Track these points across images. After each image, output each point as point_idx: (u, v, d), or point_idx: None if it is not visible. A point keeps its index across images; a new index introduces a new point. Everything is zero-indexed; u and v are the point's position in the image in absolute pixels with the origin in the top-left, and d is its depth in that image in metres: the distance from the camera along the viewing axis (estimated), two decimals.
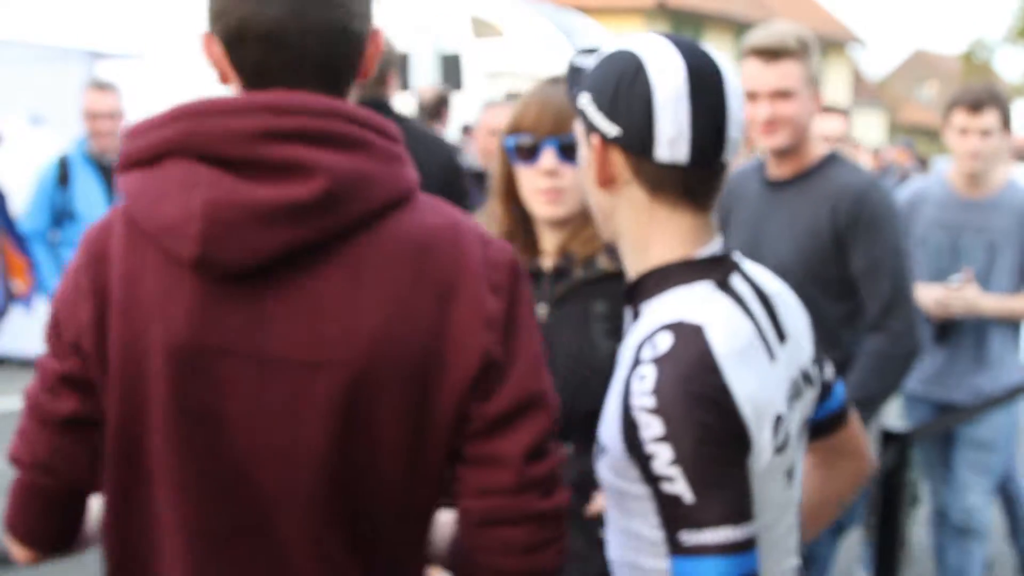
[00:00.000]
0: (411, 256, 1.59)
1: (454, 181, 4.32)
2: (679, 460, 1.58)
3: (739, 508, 1.60)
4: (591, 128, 1.72)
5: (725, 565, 1.59)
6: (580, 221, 2.42)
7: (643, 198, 1.72)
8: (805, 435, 1.87)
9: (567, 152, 2.37)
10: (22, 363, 9.20)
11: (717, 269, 1.74)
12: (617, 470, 1.68)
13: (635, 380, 1.63)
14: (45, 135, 9.01)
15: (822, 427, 1.95)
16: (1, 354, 9.54)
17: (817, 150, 3.33)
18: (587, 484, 2.31)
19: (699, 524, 1.59)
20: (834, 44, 37.84)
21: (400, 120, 4.35)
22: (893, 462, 3.38)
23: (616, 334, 2.34)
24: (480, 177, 5.11)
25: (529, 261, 2.48)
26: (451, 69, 16.50)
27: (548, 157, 2.38)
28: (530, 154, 2.40)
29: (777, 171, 3.36)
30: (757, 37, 3.29)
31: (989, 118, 4.25)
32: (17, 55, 9.88)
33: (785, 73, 3.24)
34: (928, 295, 4.28)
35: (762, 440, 1.65)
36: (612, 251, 2.34)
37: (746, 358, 1.67)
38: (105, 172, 5.80)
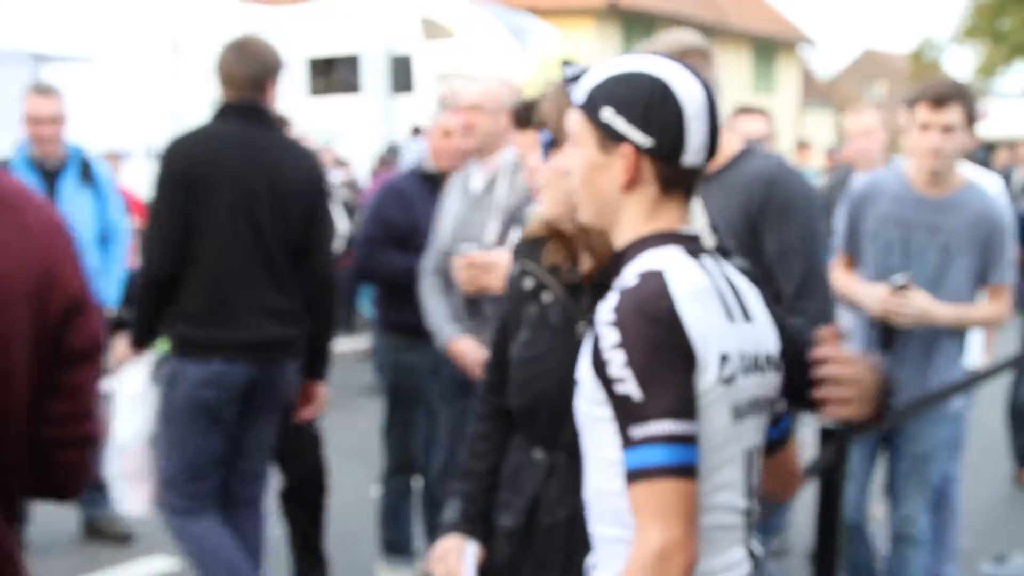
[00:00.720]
0: None
1: (318, 191, 4.31)
2: (629, 363, 1.89)
3: (680, 406, 1.89)
4: (618, 138, 2.02)
5: (666, 452, 1.87)
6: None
7: (655, 195, 2.05)
8: (762, 417, 2.11)
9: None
10: None
11: (689, 242, 2.06)
12: (587, 397, 1.99)
13: (602, 305, 1.97)
14: None
15: (768, 447, 2.19)
16: None
17: (733, 146, 3.32)
18: None
19: (645, 418, 1.88)
20: (784, 44, 38.08)
21: (270, 127, 4.31)
22: (831, 459, 3.42)
23: None
24: (433, 179, 5.10)
25: (572, 273, 2.47)
26: (401, 71, 16.48)
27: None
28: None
29: None
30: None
31: (952, 114, 4.10)
32: None
33: None
34: (871, 294, 4.18)
35: (708, 362, 1.94)
36: None
37: (700, 300, 1.97)
38: (47, 177, 5.72)
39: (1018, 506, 6.48)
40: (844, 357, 2.16)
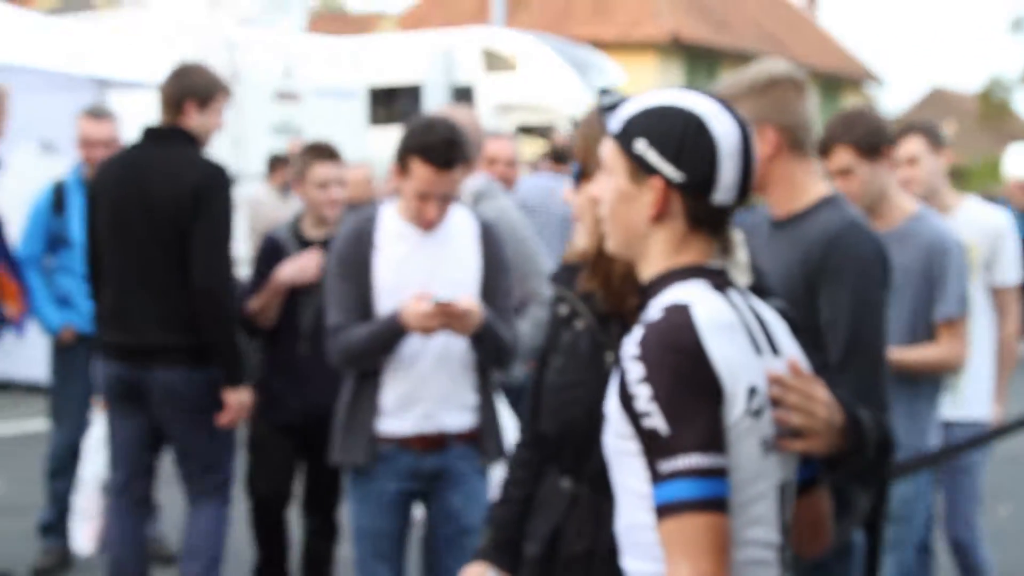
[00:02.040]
0: None
1: (194, 205, 4.49)
2: (655, 396, 1.90)
3: (708, 439, 1.89)
4: (649, 170, 2.03)
5: (695, 486, 1.87)
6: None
7: (683, 230, 2.06)
8: (794, 454, 2.09)
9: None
10: (26, 387, 9.27)
11: (715, 276, 2.07)
12: (615, 431, 1.99)
13: (627, 339, 1.98)
14: (55, 162, 9.06)
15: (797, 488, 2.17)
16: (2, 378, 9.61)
17: (815, 192, 3.07)
18: None
19: (673, 452, 1.88)
20: (850, 81, 37.84)
21: (172, 144, 4.60)
22: (870, 504, 3.35)
23: None
24: None
25: (610, 305, 2.47)
26: (463, 101, 16.55)
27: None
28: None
29: (777, 210, 3.17)
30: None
31: (840, 158, 3.82)
32: (28, 82, 9.94)
33: None
34: None
35: (735, 394, 1.93)
36: None
37: (726, 333, 1.97)
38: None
39: None
40: (796, 383, 2.06)
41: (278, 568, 5.00)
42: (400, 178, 3.71)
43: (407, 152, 3.67)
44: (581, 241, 2.54)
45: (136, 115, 10.07)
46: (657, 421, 1.89)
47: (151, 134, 4.68)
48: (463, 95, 17.01)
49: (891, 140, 3.87)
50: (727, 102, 2.10)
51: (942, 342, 3.85)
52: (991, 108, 40.82)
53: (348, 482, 3.89)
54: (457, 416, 3.84)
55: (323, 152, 4.89)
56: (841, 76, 36.83)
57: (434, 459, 3.84)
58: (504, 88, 17.22)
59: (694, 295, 2.01)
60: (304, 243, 4.85)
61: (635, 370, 1.92)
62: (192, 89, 4.61)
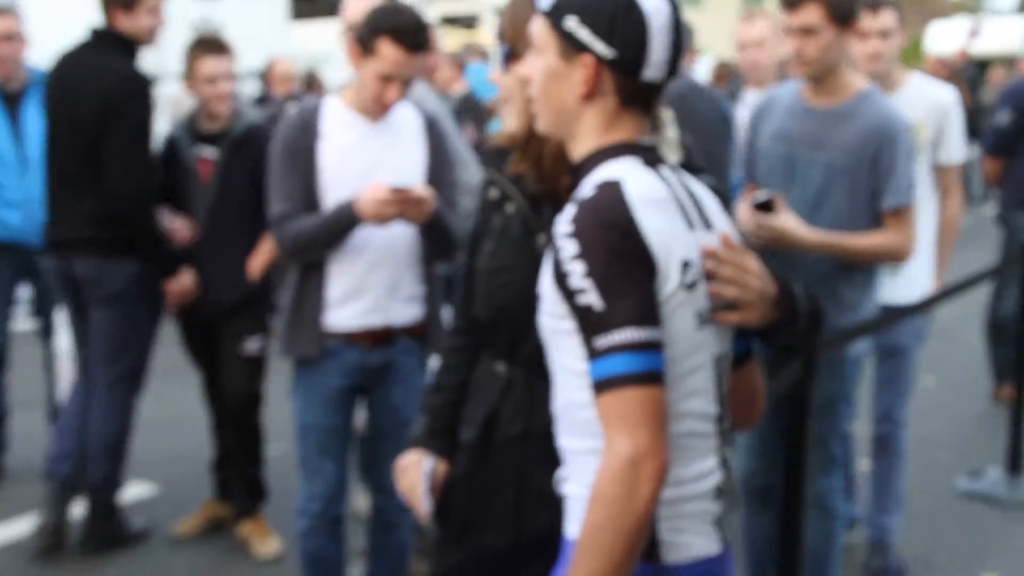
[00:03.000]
0: None
1: (111, 109, 4.59)
2: (590, 272, 1.87)
3: (643, 313, 1.87)
4: (580, 48, 2.00)
5: (631, 360, 1.85)
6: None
7: (613, 108, 2.04)
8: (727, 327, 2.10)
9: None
10: None
11: (646, 153, 2.05)
12: (550, 311, 1.98)
13: (559, 217, 1.95)
14: None
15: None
16: None
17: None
18: None
19: (607, 327, 1.86)
20: None
21: (99, 49, 4.72)
22: (797, 376, 3.41)
23: None
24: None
25: (534, 184, 2.44)
26: None
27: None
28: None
29: None
30: None
31: (808, 14, 3.63)
32: None
33: None
34: (738, 216, 3.65)
35: (668, 268, 1.92)
36: None
37: (658, 208, 1.95)
38: (8, 101, 5.54)
39: (997, 422, 6.51)
40: (729, 256, 2.05)
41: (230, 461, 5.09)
42: (360, 59, 3.61)
43: (375, 32, 3.56)
44: (510, 123, 2.49)
45: (57, 14, 9.83)
46: (591, 297, 1.87)
47: (89, 36, 4.74)
48: None
49: (857, 13, 3.66)
50: None
51: (890, 230, 3.66)
52: None
53: (293, 378, 3.86)
54: (403, 309, 3.81)
55: (211, 46, 4.81)
56: None
57: (380, 354, 3.81)
58: None
59: (625, 171, 1.99)
60: (199, 138, 4.87)
61: (568, 247, 1.90)
62: None
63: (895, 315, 4.19)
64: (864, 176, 3.63)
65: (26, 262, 5.61)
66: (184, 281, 4.75)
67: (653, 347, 1.87)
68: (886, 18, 4.06)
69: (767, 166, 3.81)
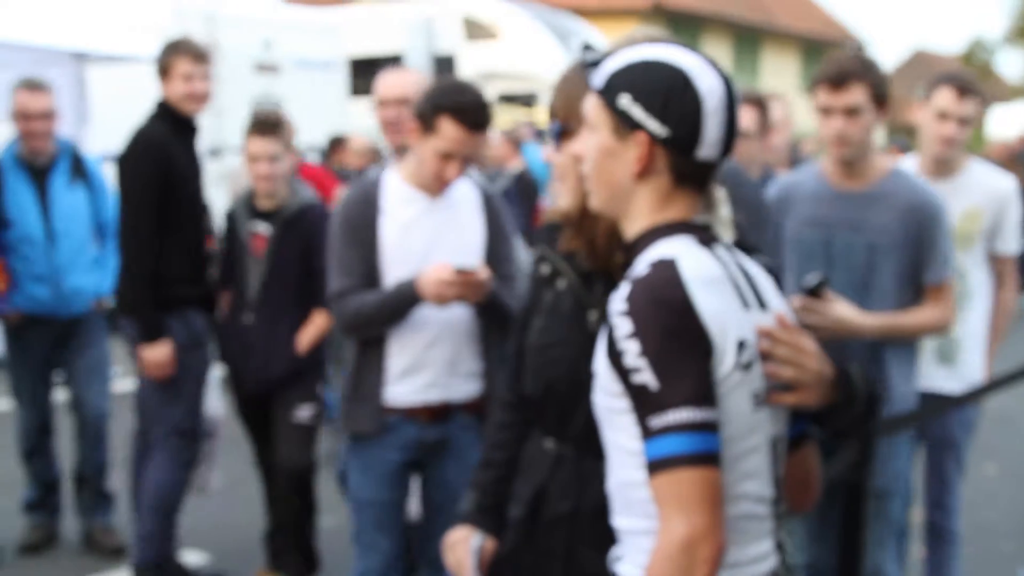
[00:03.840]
0: None
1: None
2: (644, 351, 1.86)
3: (699, 393, 1.86)
4: (634, 126, 2.00)
5: (687, 440, 1.84)
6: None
7: (667, 187, 2.03)
8: (783, 408, 2.07)
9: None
10: None
11: (700, 232, 2.04)
12: (604, 389, 1.96)
13: (614, 295, 1.94)
14: None
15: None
16: None
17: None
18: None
19: (663, 407, 1.85)
20: (832, 45, 37.77)
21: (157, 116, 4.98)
22: (854, 461, 3.34)
23: None
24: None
25: (588, 261, 2.45)
26: (444, 71, 16.48)
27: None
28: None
29: None
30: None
31: (855, 94, 3.61)
32: (5, 58, 9.85)
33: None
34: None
35: (724, 348, 1.91)
36: None
37: (713, 288, 1.94)
38: (37, 175, 5.56)
39: None
40: (785, 336, 2.04)
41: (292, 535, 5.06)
42: (421, 136, 3.64)
43: (437, 110, 3.59)
44: (563, 200, 2.50)
45: (114, 88, 10.02)
46: (646, 377, 1.86)
47: (154, 108, 5.01)
48: (444, 65, 16.93)
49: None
50: (711, 58, 2.08)
51: (934, 304, 3.71)
52: (974, 70, 40.82)
53: (349, 452, 3.86)
54: (462, 385, 3.81)
55: (256, 126, 4.93)
56: (823, 39, 36.74)
57: (438, 430, 3.80)
58: (485, 57, 17.16)
59: (680, 250, 1.98)
60: (255, 214, 4.97)
61: (623, 326, 1.89)
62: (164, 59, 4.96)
63: (944, 404, 4.12)
64: (908, 254, 3.66)
65: (59, 333, 5.68)
66: (159, 352, 4.80)
67: (709, 428, 1.85)
68: (854, 94, 3.62)
69: (802, 252, 3.78)
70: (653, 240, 2.03)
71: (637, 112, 2.00)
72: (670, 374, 1.85)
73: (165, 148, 4.83)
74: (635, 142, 2.01)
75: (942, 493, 4.54)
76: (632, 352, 1.88)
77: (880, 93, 3.63)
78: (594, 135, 2.08)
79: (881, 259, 3.67)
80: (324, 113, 13.53)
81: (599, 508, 2.23)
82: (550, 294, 2.52)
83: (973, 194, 4.37)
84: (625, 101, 2.01)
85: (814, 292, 3.49)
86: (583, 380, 2.22)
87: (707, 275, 1.95)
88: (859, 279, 3.69)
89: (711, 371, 1.89)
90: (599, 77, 2.07)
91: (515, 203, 6.95)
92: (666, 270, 1.92)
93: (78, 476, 5.77)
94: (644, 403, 1.87)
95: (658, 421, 1.85)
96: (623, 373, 1.90)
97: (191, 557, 5.55)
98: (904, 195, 3.67)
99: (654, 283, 1.91)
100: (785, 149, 5.75)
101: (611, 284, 2.30)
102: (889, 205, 3.67)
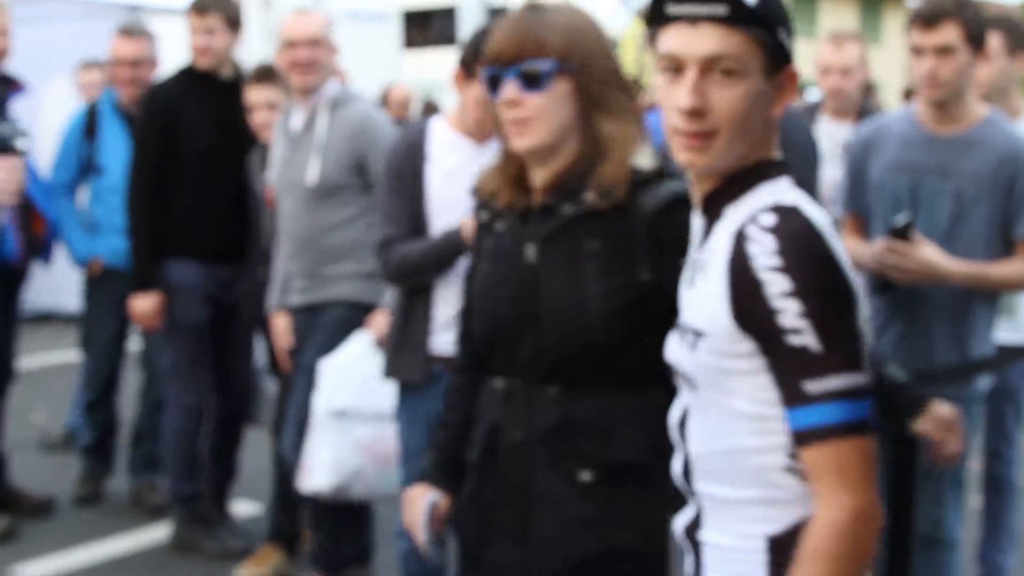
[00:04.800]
0: None
1: None
2: (808, 313, 1.72)
3: (860, 356, 1.75)
4: (786, 59, 1.84)
5: (849, 408, 1.72)
6: (551, 153, 2.39)
7: (777, 110, 1.88)
8: None
9: (529, 81, 2.36)
10: (64, 319, 9.30)
11: (787, 170, 1.91)
12: (719, 350, 1.82)
13: (751, 247, 1.76)
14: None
15: None
16: (41, 310, 9.62)
17: None
18: (569, 427, 2.35)
19: (824, 372, 1.72)
20: None
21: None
22: (902, 464, 3.25)
23: (610, 275, 2.34)
24: None
25: (517, 199, 2.46)
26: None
27: (509, 88, 2.37)
28: (495, 85, 2.40)
29: None
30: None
31: (947, 33, 3.47)
32: (60, 11, 9.90)
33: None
34: (868, 251, 3.54)
35: (862, 301, 1.80)
36: (602, 187, 2.35)
37: (836, 236, 1.82)
38: (132, 122, 5.51)
39: None
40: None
41: None
42: (463, 82, 3.59)
43: (479, 55, 3.57)
44: (529, 142, 2.43)
45: (168, 40, 10.03)
46: (808, 339, 1.72)
47: None
48: (499, 16, 16.84)
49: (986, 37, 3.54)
50: None
51: (1022, 259, 3.56)
52: None
53: (397, 402, 3.84)
54: None
55: (255, 75, 4.92)
56: None
57: None
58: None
59: (794, 196, 1.83)
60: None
61: (778, 282, 1.73)
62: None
63: (1011, 355, 4.04)
64: (998, 204, 3.52)
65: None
66: (145, 303, 4.92)
67: (867, 394, 1.75)
68: (946, 33, 3.49)
69: (887, 198, 3.65)
70: (758, 179, 1.87)
71: (789, 44, 1.85)
72: (834, 335, 1.73)
73: (169, 103, 4.87)
74: (786, 76, 1.86)
75: (1001, 443, 4.48)
76: (791, 312, 1.72)
77: (976, 33, 3.48)
78: (739, 82, 1.81)
79: (968, 208, 3.53)
80: (377, 65, 13.50)
81: (549, 430, 2.34)
82: (490, 239, 2.53)
83: None
84: (784, 34, 1.84)
85: (901, 233, 3.41)
86: (526, 313, 2.35)
87: (826, 222, 1.82)
88: (945, 228, 3.55)
89: (862, 331, 1.78)
90: (741, 11, 1.79)
91: None
92: (801, 220, 1.77)
93: (137, 432, 5.80)
94: (800, 366, 1.74)
95: (817, 386, 1.73)
96: (773, 333, 1.75)
97: (242, 507, 5.60)
98: (999, 142, 3.53)
99: (804, 236, 1.76)
100: (855, 96, 5.32)
101: (546, 218, 2.38)
102: (982, 151, 3.53)
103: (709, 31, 1.79)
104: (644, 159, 2.38)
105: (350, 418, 4.13)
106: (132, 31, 5.56)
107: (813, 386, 1.73)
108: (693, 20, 1.80)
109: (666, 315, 2.16)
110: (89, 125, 5.67)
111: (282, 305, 4.62)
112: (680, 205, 2.29)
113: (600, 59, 2.39)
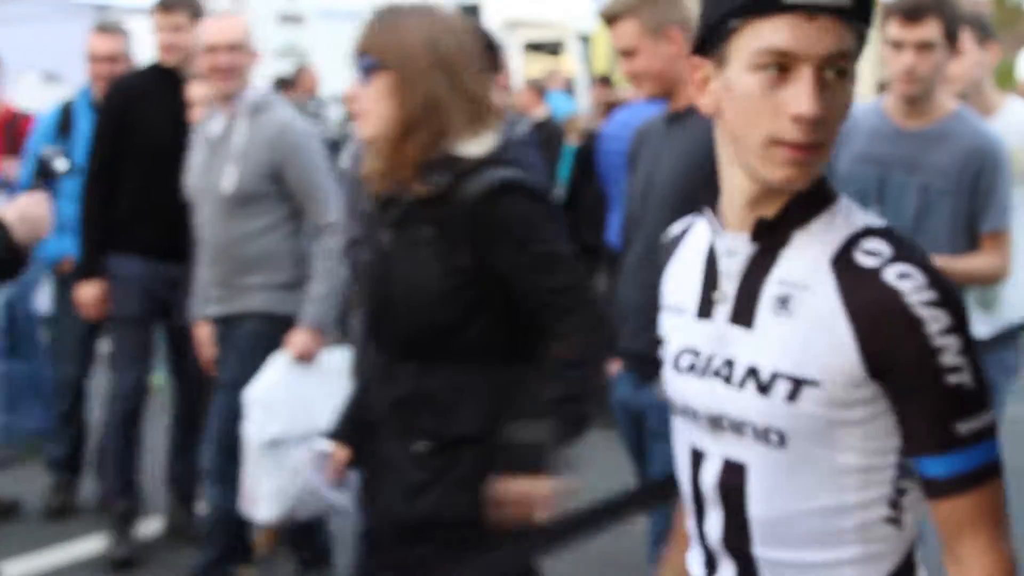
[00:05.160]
0: None
1: None
2: (965, 349, 1.54)
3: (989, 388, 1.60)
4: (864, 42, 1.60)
5: (992, 448, 1.57)
6: (388, 143, 2.56)
7: None
8: None
9: (363, 75, 2.59)
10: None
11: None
12: (834, 400, 1.57)
13: (901, 283, 1.54)
14: (59, 92, 8.96)
15: None
16: None
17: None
18: (417, 400, 2.58)
19: (976, 410, 1.55)
20: None
21: None
22: None
23: (442, 259, 2.53)
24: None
25: (384, 187, 2.64)
26: (470, 18, 16.38)
27: (355, 81, 2.66)
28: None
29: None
30: None
31: (929, 29, 3.46)
32: (27, 11, 9.85)
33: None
34: None
35: None
36: (426, 175, 2.53)
37: None
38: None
39: None
40: None
41: None
42: None
43: None
44: (368, 129, 2.62)
45: (140, 38, 9.99)
46: (966, 376, 1.54)
47: None
48: (470, 12, 16.80)
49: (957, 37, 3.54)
50: None
51: (988, 252, 3.60)
52: (1005, 13, 40.24)
53: None
54: None
55: (197, 71, 4.90)
56: None
57: None
58: (511, 5, 17.01)
59: (870, 218, 1.66)
60: None
61: (941, 318, 1.54)
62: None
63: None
64: (964, 199, 3.55)
65: None
66: (86, 291, 4.97)
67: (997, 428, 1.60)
68: (928, 29, 3.48)
69: (855, 191, 3.60)
70: (826, 200, 1.65)
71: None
72: (980, 369, 1.57)
73: (128, 97, 4.90)
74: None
75: None
76: (954, 349, 1.53)
77: (953, 30, 3.49)
78: (848, 85, 1.59)
79: (935, 202, 3.57)
80: (349, 64, 13.48)
81: (399, 401, 2.60)
82: (368, 225, 2.86)
83: (1012, 133, 4.20)
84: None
85: None
86: (383, 294, 2.61)
87: None
88: (911, 222, 3.57)
89: None
90: (863, 6, 1.57)
91: (536, 149, 6.91)
92: (909, 244, 1.60)
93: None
94: (953, 407, 1.55)
95: (968, 427, 1.55)
96: (928, 373, 1.55)
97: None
98: (966, 137, 3.55)
99: (931, 262, 1.59)
100: None
101: (408, 209, 2.57)
102: (949, 146, 3.55)
103: (829, 25, 1.53)
104: (475, 147, 2.54)
105: (286, 444, 4.00)
106: (108, 28, 5.58)
107: (965, 427, 1.55)
108: (812, 12, 1.52)
109: (504, 297, 2.51)
110: (63, 123, 5.60)
111: (202, 315, 4.51)
112: (505, 191, 2.49)
113: (421, 57, 2.54)
